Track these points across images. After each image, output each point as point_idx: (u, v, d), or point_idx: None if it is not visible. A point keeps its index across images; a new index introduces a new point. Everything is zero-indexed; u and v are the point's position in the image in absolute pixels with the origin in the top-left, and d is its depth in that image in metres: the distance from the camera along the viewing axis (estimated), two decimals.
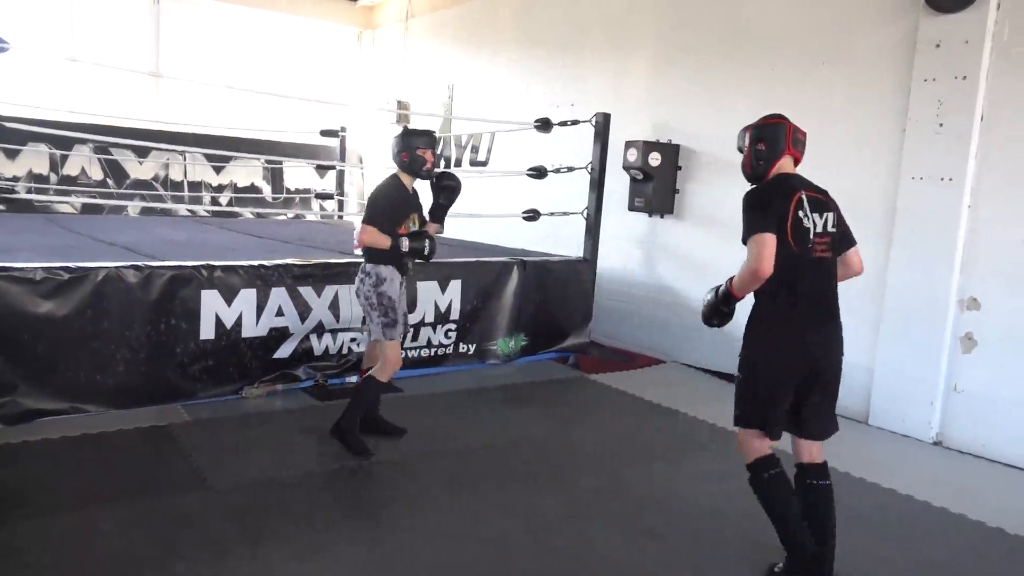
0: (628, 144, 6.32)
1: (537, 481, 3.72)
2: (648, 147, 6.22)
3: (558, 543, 3.11)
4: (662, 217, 6.46)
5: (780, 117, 2.98)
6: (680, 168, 6.30)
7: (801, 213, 2.76)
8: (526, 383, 5.52)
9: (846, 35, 5.13)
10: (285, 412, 4.50)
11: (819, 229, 2.80)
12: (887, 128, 4.89)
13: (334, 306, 4.91)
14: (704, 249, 6.13)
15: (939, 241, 4.56)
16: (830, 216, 2.85)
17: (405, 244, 3.83)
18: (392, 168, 4.05)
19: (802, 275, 2.77)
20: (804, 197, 2.80)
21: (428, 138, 3.97)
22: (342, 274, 4.94)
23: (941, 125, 4.57)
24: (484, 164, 8.58)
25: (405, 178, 3.98)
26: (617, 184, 6.54)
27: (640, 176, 6.32)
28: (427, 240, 3.89)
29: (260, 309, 4.62)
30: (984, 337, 4.42)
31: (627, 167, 6.33)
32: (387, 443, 4.08)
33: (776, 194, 2.80)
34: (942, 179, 4.55)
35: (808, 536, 2.80)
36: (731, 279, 2.87)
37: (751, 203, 2.81)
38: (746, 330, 2.90)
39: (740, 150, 3.03)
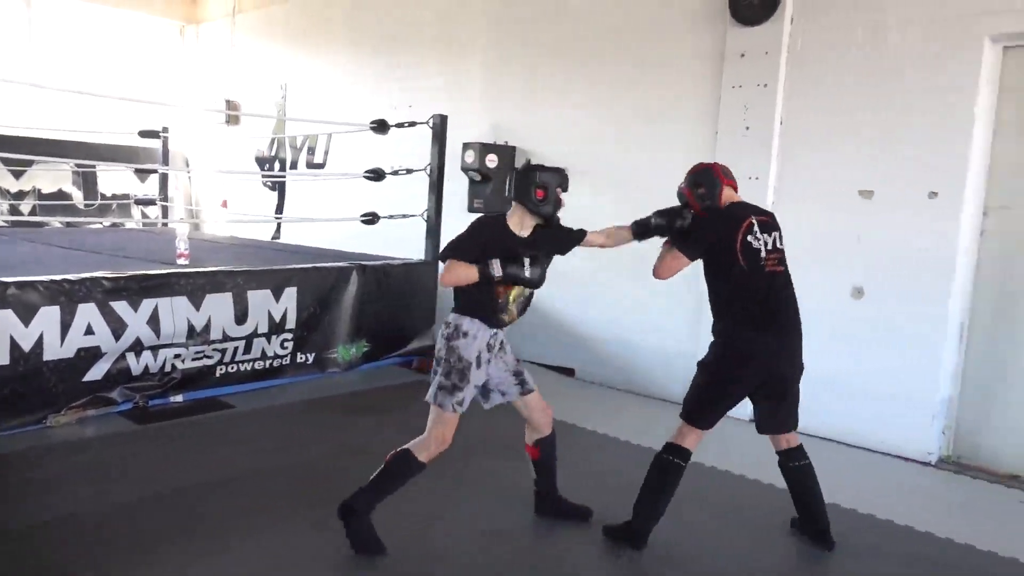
0: (466, 146, 6.35)
1: None
2: (485, 149, 6.29)
3: (398, 554, 3.05)
4: None
5: (704, 164, 3.32)
6: (516, 169, 6.41)
7: (750, 237, 3.08)
8: (368, 390, 5.40)
9: (665, 41, 5.44)
10: (99, 440, 4.12)
11: (769, 247, 3.13)
12: (703, 130, 5.23)
13: (154, 321, 4.55)
14: None
15: None
16: (777, 235, 3.19)
17: (497, 269, 2.93)
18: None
19: (757, 290, 3.09)
20: (755, 222, 3.12)
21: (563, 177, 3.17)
22: (162, 286, 4.60)
23: (748, 128, 4.95)
24: (321, 166, 8.32)
25: (520, 217, 3.12)
26: (456, 186, 6.55)
27: (479, 178, 6.37)
28: (527, 261, 2.97)
29: (65, 328, 4.20)
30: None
31: (465, 169, 6.36)
32: (217, 463, 3.85)
33: (723, 223, 3.12)
34: (750, 178, 4.92)
35: (652, 521, 3.10)
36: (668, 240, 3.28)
37: (700, 231, 3.18)
38: (713, 341, 3.21)
39: (681, 199, 3.31)
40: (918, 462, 4.30)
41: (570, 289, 6.04)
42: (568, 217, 6.33)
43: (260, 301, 5.12)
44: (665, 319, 5.47)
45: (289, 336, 5.36)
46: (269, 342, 5.24)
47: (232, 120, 9.32)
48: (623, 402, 5.45)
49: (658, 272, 3.22)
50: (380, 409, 4.99)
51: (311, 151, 8.45)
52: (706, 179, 3.23)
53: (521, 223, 3.10)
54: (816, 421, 4.73)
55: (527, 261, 2.97)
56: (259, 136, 9.13)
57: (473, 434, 4.56)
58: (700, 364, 3.23)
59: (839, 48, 4.59)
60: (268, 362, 5.28)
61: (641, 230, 3.33)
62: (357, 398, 5.21)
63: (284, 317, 5.28)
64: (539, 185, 3.06)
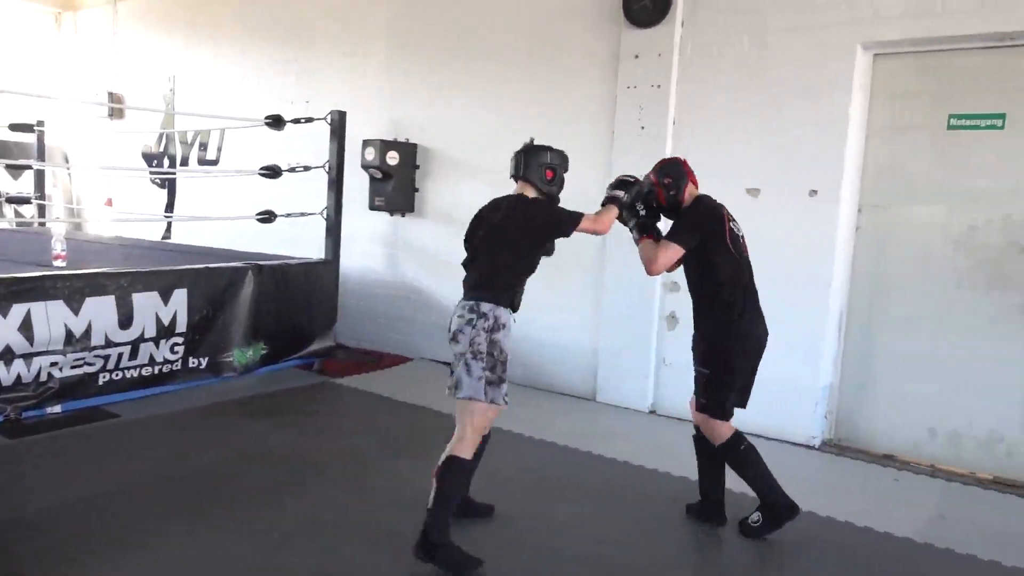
0: (366, 143, 6.24)
1: (275, 496, 3.52)
2: (386, 146, 6.20)
3: (294, 559, 2.97)
4: (403, 216, 6.48)
5: (673, 157, 3.52)
6: (418, 167, 6.36)
7: (732, 225, 3.29)
8: (267, 394, 5.23)
9: (563, 41, 5.51)
10: None
11: (741, 233, 3.35)
12: (601, 129, 5.33)
13: (26, 327, 4.24)
14: (446, 246, 6.24)
15: None
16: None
17: (622, 193, 3.30)
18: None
19: (744, 275, 3.29)
20: (727, 211, 3.32)
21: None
22: (35, 290, 4.29)
23: (643, 128, 5.08)
24: (214, 163, 7.99)
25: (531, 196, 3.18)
26: (357, 183, 6.44)
27: (379, 175, 6.28)
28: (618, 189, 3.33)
29: None
30: (684, 315, 5.02)
31: (365, 166, 6.25)
32: (98, 478, 3.62)
33: (713, 217, 3.28)
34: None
35: (779, 491, 3.26)
36: (642, 238, 3.37)
37: (690, 221, 3.29)
38: (712, 332, 3.30)
39: (646, 194, 3.40)
40: (804, 446, 4.54)
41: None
42: (465, 213, 6.34)
43: (146, 304, 4.86)
44: (567, 315, 5.55)
45: (180, 340, 5.12)
46: (157, 347, 4.99)
47: (116, 114, 8.81)
48: (525, 398, 5.50)
49: (656, 267, 3.26)
50: (280, 412, 4.84)
51: (203, 147, 8.10)
52: (674, 171, 3.38)
53: None
54: None
55: (616, 191, 3.32)
56: (146, 131, 8.67)
57: (364, 435, 4.50)
58: (711, 361, 3.28)
59: (726, 51, 4.78)
60: (157, 368, 5.02)
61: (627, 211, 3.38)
62: (256, 402, 5.03)
63: (174, 320, 5.04)
64: (549, 166, 3.15)
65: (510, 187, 6.18)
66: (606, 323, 5.28)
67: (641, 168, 5.06)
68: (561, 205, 3.23)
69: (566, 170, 3.22)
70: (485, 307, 2.98)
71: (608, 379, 5.30)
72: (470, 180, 6.06)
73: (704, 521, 3.43)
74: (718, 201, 3.41)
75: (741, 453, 3.28)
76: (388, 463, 4.04)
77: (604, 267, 5.25)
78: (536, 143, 3.25)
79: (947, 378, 4.31)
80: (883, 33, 4.31)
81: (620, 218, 3.35)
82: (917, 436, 4.41)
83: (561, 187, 3.21)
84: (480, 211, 3.24)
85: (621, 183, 3.37)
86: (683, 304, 5.01)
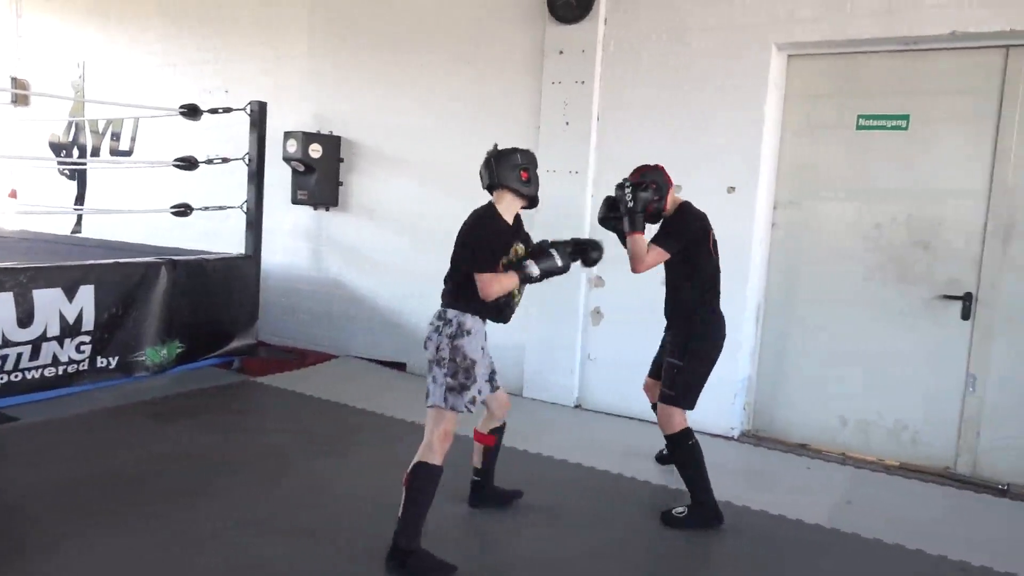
0: (287, 135, 6.08)
1: (187, 498, 3.39)
2: (308, 138, 6.05)
3: (209, 560, 2.86)
4: (327, 210, 6.34)
5: (652, 164, 3.57)
6: (342, 160, 6.23)
7: (713, 232, 3.49)
8: (182, 394, 5.04)
9: (489, 36, 5.48)
10: None
11: (715, 239, 3.52)
12: (526, 124, 5.33)
13: None
14: (369, 240, 6.15)
15: (571, 228, 5.08)
16: None
17: (534, 268, 2.96)
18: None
19: (717, 278, 3.52)
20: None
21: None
22: None
23: (567, 124, 5.10)
24: (128, 154, 7.64)
25: (508, 203, 3.07)
26: (279, 176, 6.26)
27: (302, 168, 6.12)
28: (553, 251, 3.00)
29: None
30: (608, 310, 5.07)
31: (287, 158, 6.08)
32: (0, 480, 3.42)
33: (700, 226, 3.46)
34: (570, 172, 5.10)
35: (711, 493, 3.40)
36: (636, 229, 3.42)
37: (679, 228, 3.44)
38: (689, 329, 3.48)
39: (624, 201, 3.42)
40: (723, 437, 4.64)
41: (402, 283, 5.96)
42: (391, 207, 6.22)
43: (49, 301, 4.61)
44: None
45: (87, 339, 4.87)
46: (62, 346, 4.74)
47: (20, 100, 8.33)
48: None
49: (643, 266, 3.39)
50: (196, 413, 4.67)
51: (116, 137, 7.74)
52: (658, 178, 3.49)
53: (508, 209, 3.07)
54: (633, 404, 4.99)
55: (554, 251, 3.01)
56: (54, 119, 8.23)
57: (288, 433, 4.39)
58: (686, 354, 3.44)
59: (647, 49, 4.84)
60: (61, 368, 4.77)
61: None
62: (170, 403, 4.84)
63: (80, 318, 4.80)
64: (523, 167, 3.06)
65: (434, 182, 6.13)
66: (533, 318, 5.28)
67: (566, 164, 5.13)
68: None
69: (536, 167, 3.14)
70: (450, 313, 2.99)
71: (534, 374, 5.31)
72: (396, 175, 5.97)
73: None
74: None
75: (688, 448, 3.42)
76: (308, 462, 3.94)
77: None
78: (500, 147, 3.16)
79: (857, 369, 4.48)
80: (797, 34, 4.43)
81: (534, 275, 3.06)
82: (829, 425, 4.57)
83: (537, 186, 3.12)
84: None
85: (540, 251, 3.07)
86: (607, 300, 5.07)
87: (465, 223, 3.04)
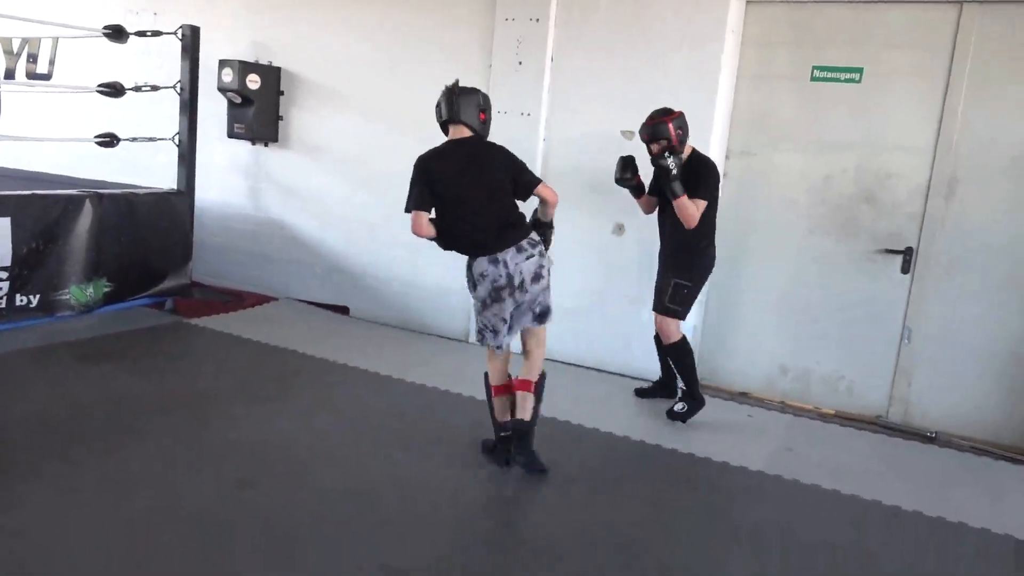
0: (223, 63, 5.72)
1: (109, 445, 3.23)
2: (246, 68, 5.71)
3: (136, 505, 2.73)
4: (266, 145, 6.04)
5: (672, 110, 3.92)
6: (283, 93, 5.92)
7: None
8: (109, 335, 4.80)
9: None
10: None
11: None
12: (476, 62, 5.12)
13: None
14: (312, 179, 5.90)
15: None
16: None
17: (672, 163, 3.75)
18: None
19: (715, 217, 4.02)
20: None
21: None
22: None
23: (520, 63, 4.93)
24: (46, 77, 7.10)
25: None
26: (214, 108, 5.91)
27: (239, 100, 5.79)
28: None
29: None
30: (557, 256, 4.98)
31: (222, 88, 5.74)
32: None
33: (715, 169, 4.01)
34: (522, 113, 4.95)
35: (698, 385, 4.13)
36: (682, 193, 3.80)
37: (709, 178, 3.92)
38: (692, 254, 4.00)
39: (651, 141, 3.89)
40: None
41: (345, 228, 5.77)
42: (333, 144, 5.96)
43: None
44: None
45: (3, 275, 4.54)
46: None
47: None
48: (399, 339, 5.36)
49: (693, 223, 3.83)
50: (124, 355, 4.46)
51: (32, 58, 7.17)
52: (684, 125, 3.89)
53: None
54: (579, 351, 4.98)
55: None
56: None
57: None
58: (692, 274, 3.99)
59: None
60: None
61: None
62: (97, 344, 4.61)
63: None
64: (481, 108, 3.22)
65: (380, 120, 5.87)
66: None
67: (518, 105, 4.97)
68: None
69: (491, 112, 3.32)
70: (535, 237, 3.28)
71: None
72: (340, 111, 5.71)
73: (658, 394, 4.39)
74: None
75: (688, 350, 4.08)
76: (240, 408, 3.80)
77: None
78: (462, 85, 3.27)
79: (798, 320, 4.56)
80: None
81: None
82: (770, 374, 4.66)
83: (488, 131, 3.33)
84: (442, 162, 3.20)
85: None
86: (556, 245, 4.98)
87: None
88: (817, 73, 4.44)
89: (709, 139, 4.51)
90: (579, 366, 4.93)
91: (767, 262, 4.63)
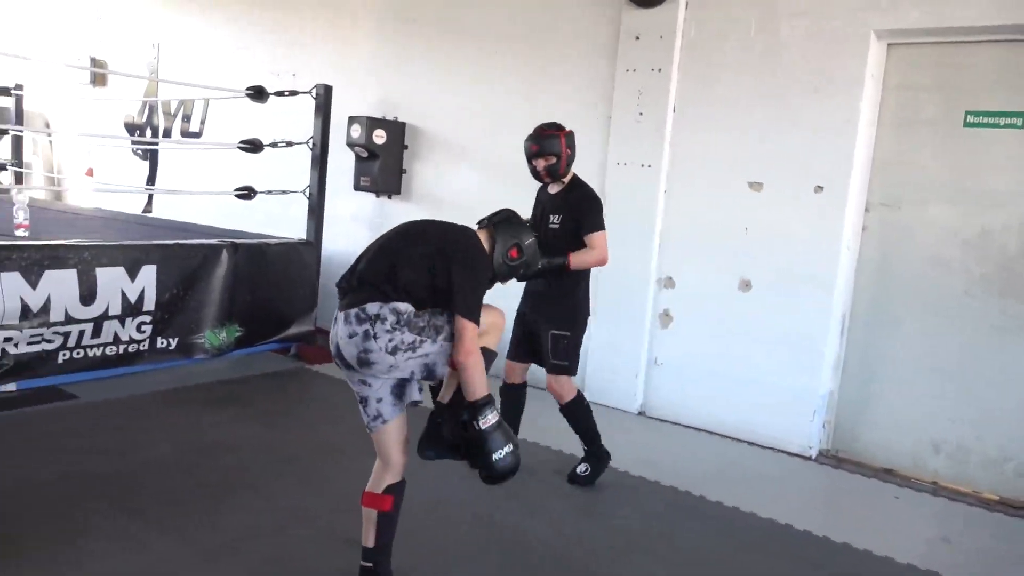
0: (352, 120, 5.97)
1: (227, 494, 3.28)
2: (373, 124, 5.93)
3: (237, 566, 2.73)
4: (389, 197, 6.21)
5: (556, 126, 3.58)
6: (407, 147, 6.09)
7: None
8: (237, 379, 4.99)
9: (560, 20, 5.23)
10: None
11: None
12: (597, 114, 5.07)
13: None
14: None
15: (640, 224, 4.82)
16: None
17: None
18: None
19: None
20: None
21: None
22: None
23: (641, 114, 4.82)
24: (197, 135, 7.70)
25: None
26: (343, 162, 6.17)
27: (365, 154, 6.01)
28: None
29: None
30: (678, 313, 4.78)
31: (351, 144, 5.98)
32: (43, 465, 3.38)
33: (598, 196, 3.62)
34: (642, 165, 4.82)
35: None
36: (569, 255, 3.41)
37: (597, 205, 3.52)
38: (567, 300, 3.53)
39: (538, 156, 3.51)
40: (799, 456, 4.31)
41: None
42: (453, 197, 6.04)
43: (111, 279, 4.58)
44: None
45: (147, 319, 4.84)
46: (123, 325, 4.71)
47: (98, 80, 8.51)
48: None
49: (606, 261, 3.54)
50: (248, 401, 4.61)
51: (186, 118, 7.80)
52: (574, 146, 3.57)
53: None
54: (702, 414, 4.70)
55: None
56: (129, 99, 8.36)
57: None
58: (563, 325, 3.52)
59: (731, 36, 4.52)
60: (122, 347, 4.74)
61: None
62: (222, 388, 4.80)
63: (141, 298, 4.76)
64: (518, 246, 2.63)
65: (498, 173, 5.91)
66: (598, 317, 5.02)
67: (638, 156, 4.84)
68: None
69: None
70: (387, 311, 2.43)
71: (597, 377, 5.06)
72: (460, 164, 5.80)
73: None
74: None
75: (585, 408, 3.66)
76: (352, 461, 3.78)
77: None
78: (578, 137, 3.50)
79: (953, 389, 4.08)
80: (899, 21, 4.04)
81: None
82: (919, 450, 4.18)
83: (509, 276, 2.71)
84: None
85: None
86: (677, 301, 4.78)
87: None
88: (971, 119, 4.04)
89: (846, 191, 4.20)
90: (685, 426, 4.63)
91: (915, 324, 4.20)
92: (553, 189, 3.64)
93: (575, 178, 3.62)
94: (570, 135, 3.54)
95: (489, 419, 2.35)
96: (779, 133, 4.38)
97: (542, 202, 3.70)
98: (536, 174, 3.57)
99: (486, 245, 2.61)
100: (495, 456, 2.34)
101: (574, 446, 4.05)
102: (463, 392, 2.41)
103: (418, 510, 3.02)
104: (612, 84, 4.94)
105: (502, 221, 2.67)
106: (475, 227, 2.69)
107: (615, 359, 4.96)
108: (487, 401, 2.37)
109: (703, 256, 4.65)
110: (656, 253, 4.80)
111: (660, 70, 4.71)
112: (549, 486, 3.64)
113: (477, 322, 2.38)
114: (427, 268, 2.41)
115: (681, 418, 4.76)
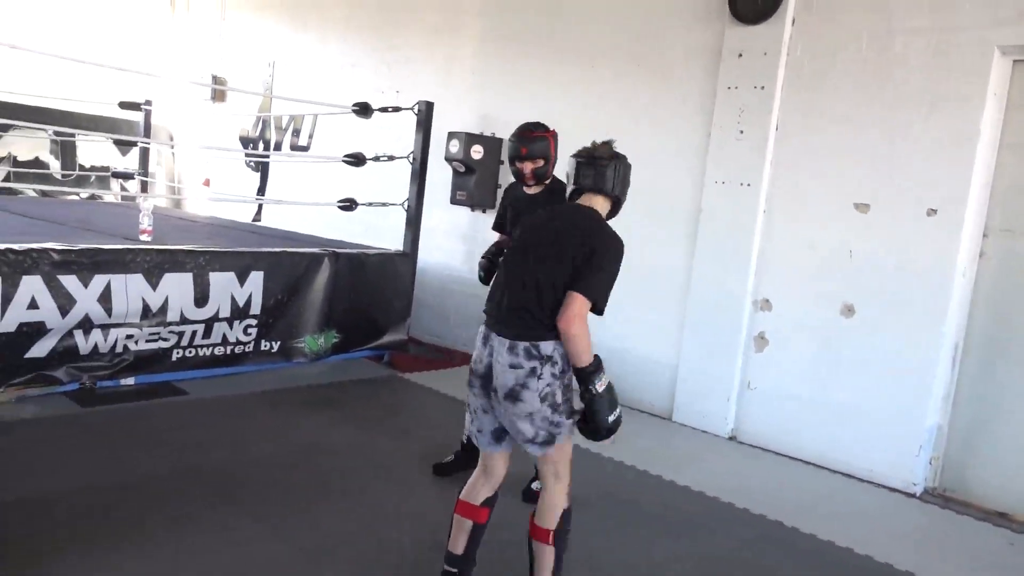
0: (451, 135, 6.12)
1: (322, 494, 3.41)
2: (471, 139, 6.06)
3: (337, 570, 2.82)
4: (484, 212, 6.32)
5: (541, 127, 3.43)
6: (502, 163, 6.18)
7: None
8: (333, 383, 5.17)
9: (660, 37, 5.21)
10: (35, 421, 3.88)
11: None
12: (695, 131, 5.00)
13: (105, 298, 4.30)
14: None
15: (737, 244, 4.71)
16: None
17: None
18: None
19: None
20: None
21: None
22: (116, 262, 4.35)
23: (742, 132, 4.72)
24: (305, 149, 8.07)
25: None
26: (440, 176, 6.32)
27: (462, 169, 6.14)
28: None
29: (6, 301, 3.95)
30: (774, 337, 4.63)
31: (449, 159, 6.12)
32: (155, 457, 3.61)
33: None
34: (741, 184, 4.71)
35: None
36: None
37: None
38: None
39: (525, 158, 3.32)
40: (902, 492, 4.08)
41: None
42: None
43: (223, 284, 4.87)
44: (646, 325, 5.23)
45: (253, 322, 5.12)
46: (231, 327, 5.00)
47: (218, 96, 9.06)
48: None
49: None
50: (344, 405, 4.76)
51: (296, 133, 8.20)
52: (557, 147, 3.40)
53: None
54: (797, 442, 4.53)
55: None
56: (244, 114, 8.87)
57: None
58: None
59: (841, 53, 4.37)
60: (229, 348, 5.03)
61: None
62: (319, 391, 4.98)
63: (248, 302, 5.04)
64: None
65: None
66: (688, 337, 4.94)
67: (737, 176, 4.74)
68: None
69: None
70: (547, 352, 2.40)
71: (687, 398, 4.96)
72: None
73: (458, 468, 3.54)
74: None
75: None
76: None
77: (690, 274, 4.92)
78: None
79: None
80: None
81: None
82: None
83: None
84: None
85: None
86: (774, 324, 4.63)
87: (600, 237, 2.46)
88: None
89: (963, 215, 3.98)
90: (777, 453, 4.46)
91: None
92: (532, 190, 3.47)
93: (555, 179, 3.42)
94: (555, 136, 3.39)
95: (602, 383, 2.38)
96: (889, 153, 4.20)
97: (517, 201, 3.52)
98: (519, 175, 3.39)
99: (604, 210, 2.60)
100: (610, 419, 2.40)
101: (662, 468, 3.99)
102: (569, 360, 2.35)
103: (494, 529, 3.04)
104: (713, 101, 4.86)
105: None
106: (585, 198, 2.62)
107: (706, 381, 4.85)
108: (597, 367, 2.36)
109: (803, 278, 4.50)
110: (753, 274, 4.67)
111: (763, 88, 4.61)
112: (635, 507, 3.59)
113: (596, 308, 2.34)
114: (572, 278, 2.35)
115: (773, 445, 4.60)
